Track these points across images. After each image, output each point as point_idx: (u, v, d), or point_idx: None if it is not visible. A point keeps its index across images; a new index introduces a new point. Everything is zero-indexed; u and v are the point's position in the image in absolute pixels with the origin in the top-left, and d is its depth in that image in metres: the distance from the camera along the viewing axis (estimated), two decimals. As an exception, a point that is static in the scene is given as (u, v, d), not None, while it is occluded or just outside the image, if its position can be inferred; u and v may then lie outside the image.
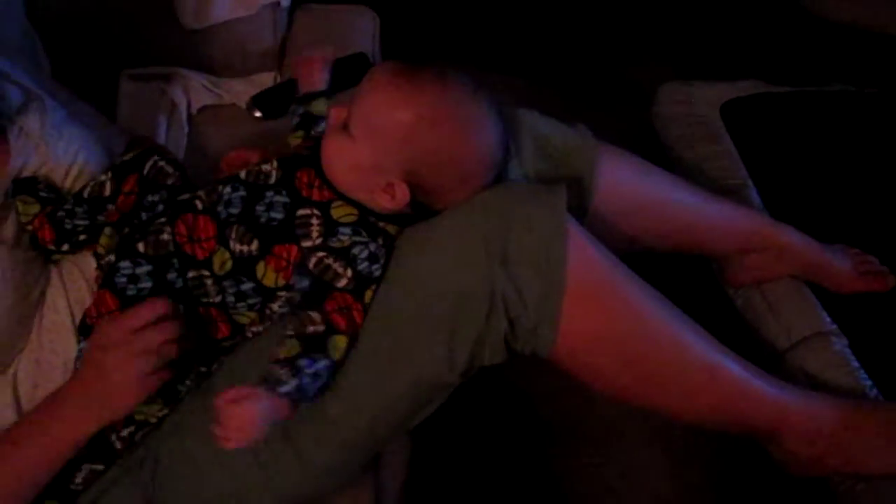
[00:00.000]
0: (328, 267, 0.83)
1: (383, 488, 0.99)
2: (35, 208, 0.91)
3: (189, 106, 1.36)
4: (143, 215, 0.90)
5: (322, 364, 0.79)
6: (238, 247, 0.86)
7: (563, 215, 0.85)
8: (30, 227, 0.92)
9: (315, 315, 0.81)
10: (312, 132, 1.01)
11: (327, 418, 0.86)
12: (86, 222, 0.91)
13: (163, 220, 0.89)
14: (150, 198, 0.91)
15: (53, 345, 0.88)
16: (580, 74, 1.96)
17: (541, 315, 0.84)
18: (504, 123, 0.89)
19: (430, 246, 0.85)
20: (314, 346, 0.80)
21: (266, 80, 1.40)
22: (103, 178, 0.92)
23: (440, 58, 1.89)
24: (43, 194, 0.92)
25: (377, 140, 0.85)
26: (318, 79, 1.04)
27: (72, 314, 0.89)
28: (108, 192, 0.92)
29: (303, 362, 0.78)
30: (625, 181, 1.04)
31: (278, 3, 1.40)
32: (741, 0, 1.91)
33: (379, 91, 0.85)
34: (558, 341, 0.85)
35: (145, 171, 0.92)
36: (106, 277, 0.87)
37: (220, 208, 0.88)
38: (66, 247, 0.92)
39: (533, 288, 0.83)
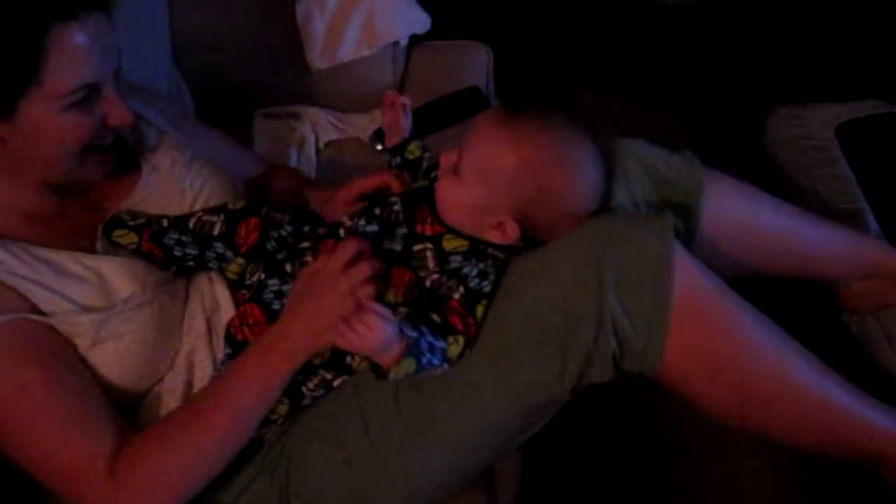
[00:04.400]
0: (442, 284, 0.90)
1: (497, 500, 1.03)
2: (133, 237, 0.97)
3: (317, 140, 1.47)
4: (269, 245, 0.99)
5: (439, 343, 0.86)
6: None
7: (670, 241, 0.88)
8: (139, 253, 0.97)
9: (435, 315, 0.88)
10: (419, 173, 1.08)
11: (440, 432, 0.91)
12: (196, 252, 0.99)
13: (306, 245, 0.97)
14: (273, 233, 0.99)
15: (195, 349, 0.96)
16: (696, 94, 1.95)
17: (648, 337, 0.87)
18: (605, 156, 0.93)
19: (542, 269, 0.90)
20: (436, 328, 0.87)
21: (387, 115, 1.49)
22: (214, 218, 0.99)
23: (554, 85, 1.95)
24: (131, 223, 0.98)
25: (486, 183, 0.91)
26: (403, 124, 1.08)
27: (206, 320, 0.98)
28: (217, 231, 0.99)
29: (424, 329, 0.85)
30: (732, 207, 1.05)
31: (397, 42, 1.50)
32: (859, 17, 1.87)
33: (485, 138, 0.91)
34: (665, 363, 0.88)
35: (262, 214, 1.00)
36: (255, 293, 0.96)
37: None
38: (173, 268, 1.00)
39: (641, 310, 0.86)
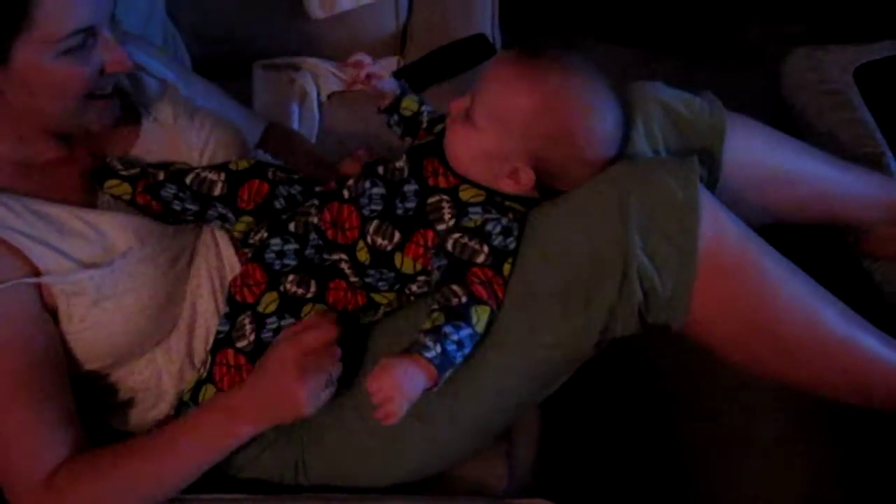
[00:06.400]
0: (465, 246, 0.86)
1: (516, 459, 1.02)
2: (126, 187, 0.93)
3: (318, 93, 1.42)
4: (278, 203, 0.95)
5: (465, 332, 0.82)
6: (379, 241, 0.90)
7: (695, 186, 0.85)
8: (133, 204, 0.94)
9: (457, 288, 0.84)
10: (422, 129, 1.03)
11: (459, 393, 0.88)
12: (196, 208, 0.95)
13: (314, 202, 0.94)
14: (282, 190, 0.96)
15: (196, 308, 0.94)
16: (699, 40, 1.92)
17: (675, 286, 0.84)
18: (621, 103, 0.91)
19: (563, 218, 0.87)
20: (457, 315, 0.82)
21: (390, 64, 1.45)
22: (214, 177, 0.95)
23: (558, 32, 1.91)
24: (124, 173, 0.94)
25: (501, 128, 0.88)
26: (383, 87, 1.02)
27: (211, 279, 0.95)
28: (217, 192, 0.95)
29: (447, 329, 0.81)
30: (755, 151, 1.01)
31: (400, -12, 1.45)
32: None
33: (501, 80, 0.88)
34: (692, 312, 0.85)
35: (270, 177, 0.96)
36: (256, 253, 0.92)
37: (363, 200, 0.92)
38: (171, 219, 0.96)
39: (667, 258, 0.83)
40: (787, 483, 1.24)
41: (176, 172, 0.96)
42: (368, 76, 1.01)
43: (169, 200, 0.94)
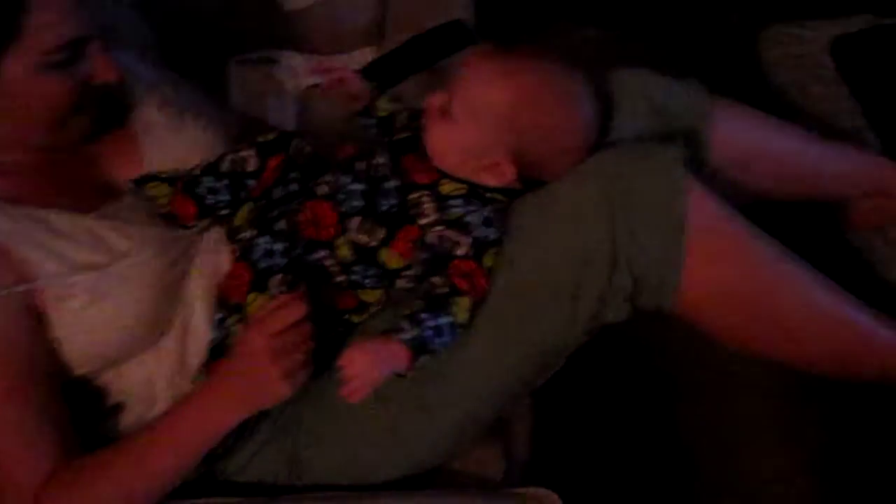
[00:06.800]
0: (446, 238, 0.86)
1: (512, 448, 1.02)
2: (165, 188, 0.93)
3: (295, 87, 1.40)
4: (280, 191, 0.93)
5: (443, 320, 0.82)
6: (363, 238, 0.89)
7: (680, 170, 0.86)
8: (168, 208, 0.93)
9: (438, 280, 0.84)
10: (399, 126, 1.02)
11: (454, 384, 0.89)
12: (228, 197, 0.94)
13: (301, 199, 0.93)
14: (290, 175, 0.94)
15: (191, 311, 0.93)
16: (677, 21, 1.92)
17: (664, 270, 0.85)
18: (599, 92, 0.91)
19: (549, 209, 0.87)
20: (436, 304, 0.83)
21: (367, 55, 1.43)
22: (245, 153, 0.94)
23: (534, 16, 1.89)
24: (164, 176, 0.95)
25: (479, 122, 0.88)
26: (354, 91, 1.03)
27: (207, 285, 0.93)
28: (251, 167, 0.94)
29: (424, 315, 0.81)
30: (739, 133, 1.03)
31: (376, -22, 1.43)
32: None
33: (478, 74, 0.88)
34: (682, 295, 0.86)
35: (290, 151, 0.95)
36: (244, 251, 0.91)
37: (340, 196, 0.91)
38: (207, 221, 0.95)
39: (655, 244, 0.84)
40: (785, 462, 1.25)
41: (209, 164, 0.95)
42: (340, 80, 1.01)
43: (203, 195, 0.93)
